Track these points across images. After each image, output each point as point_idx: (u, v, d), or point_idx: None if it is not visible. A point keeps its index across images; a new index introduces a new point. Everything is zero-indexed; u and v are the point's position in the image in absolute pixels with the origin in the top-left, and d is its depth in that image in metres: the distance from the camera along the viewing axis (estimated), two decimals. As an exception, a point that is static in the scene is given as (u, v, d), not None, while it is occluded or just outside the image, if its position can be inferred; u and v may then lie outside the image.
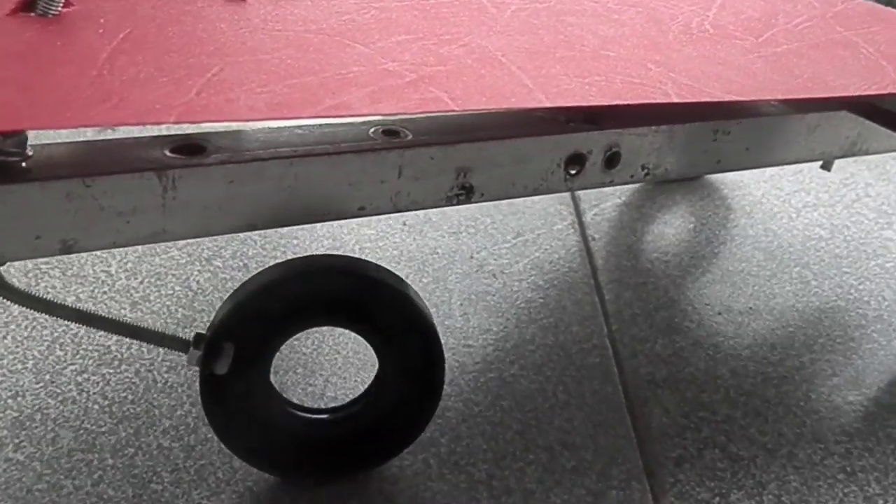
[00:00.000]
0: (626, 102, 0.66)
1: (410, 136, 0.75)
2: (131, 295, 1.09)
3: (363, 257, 1.15)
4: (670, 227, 1.27)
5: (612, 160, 0.84)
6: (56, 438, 0.87)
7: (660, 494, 0.82)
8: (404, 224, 1.26)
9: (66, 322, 1.02)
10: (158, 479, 0.83)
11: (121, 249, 1.17)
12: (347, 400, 0.86)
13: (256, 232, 1.22)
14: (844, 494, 0.83)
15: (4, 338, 1.00)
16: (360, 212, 0.74)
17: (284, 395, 0.83)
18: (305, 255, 0.80)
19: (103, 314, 0.72)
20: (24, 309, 1.04)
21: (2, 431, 0.88)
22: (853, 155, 0.99)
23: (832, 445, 0.88)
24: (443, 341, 0.98)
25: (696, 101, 0.67)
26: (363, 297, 0.75)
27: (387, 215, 1.25)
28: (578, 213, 1.31)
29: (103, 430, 0.88)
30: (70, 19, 0.66)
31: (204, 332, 0.74)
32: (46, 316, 1.02)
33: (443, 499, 0.81)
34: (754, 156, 0.93)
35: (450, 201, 0.78)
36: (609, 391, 0.96)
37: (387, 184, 0.73)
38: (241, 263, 1.16)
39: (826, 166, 1.11)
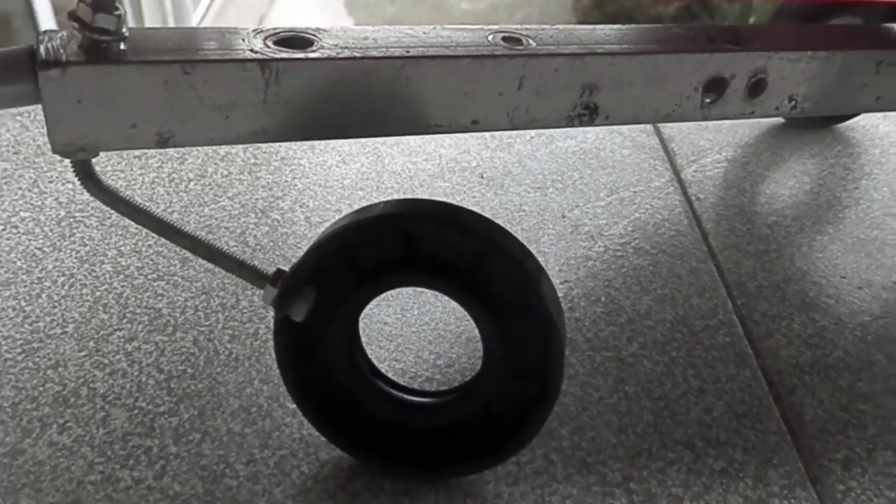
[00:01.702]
0: None
1: (534, 45, 0.66)
2: (179, 250, 0.94)
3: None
4: (783, 188, 1.13)
5: (756, 87, 0.74)
6: (107, 419, 0.73)
7: (831, 504, 0.69)
8: (482, 177, 1.11)
9: (108, 282, 0.88)
10: (232, 472, 0.69)
11: (163, 199, 1.02)
12: (442, 385, 0.72)
13: (317, 182, 1.07)
14: None
15: (39, 296, 0.86)
16: (474, 125, 0.67)
17: (372, 362, 0.69)
18: (414, 198, 0.67)
19: (185, 230, 0.63)
20: (58, 264, 0.90)
21: (43, 408, 0.74)
22: None
23: None
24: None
25: None
26: (482, 265, 0.60)
27: (463, 170, 1.11)
28: (676, 170, 1.16)
29: (161, 410, 0.74)
30: None
31: (285, 269, 0.63)
32: (85, 272, 0.88)
33: (574, 502, 0.68)
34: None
35: (571, 122, 0.69)
36: (748, 376, 0.82)
37: (505, 96, 0.66)
38: (301, 217, 1.01)
39: None
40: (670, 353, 0.84)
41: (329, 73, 0.60)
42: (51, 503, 0.66)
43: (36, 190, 1.02)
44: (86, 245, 0.94)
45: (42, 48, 0.55)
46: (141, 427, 0.73)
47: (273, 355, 0.66)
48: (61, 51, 0.55)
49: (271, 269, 0.63)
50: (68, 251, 0.93)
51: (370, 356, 0.69)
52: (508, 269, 0.61)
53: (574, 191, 1.10)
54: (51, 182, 1.04)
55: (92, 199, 0.64)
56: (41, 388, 0.76)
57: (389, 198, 1.05)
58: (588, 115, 0.69)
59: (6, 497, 0.66)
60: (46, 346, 0.80)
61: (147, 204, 0.67)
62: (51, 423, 0.72)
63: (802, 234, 1.03)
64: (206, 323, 0.85)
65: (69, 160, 0.59)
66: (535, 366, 0.63)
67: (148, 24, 3.57)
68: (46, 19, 2.83)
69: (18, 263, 0.90)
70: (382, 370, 0.70)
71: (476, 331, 0.63)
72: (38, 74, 0.54)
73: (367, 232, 0.61)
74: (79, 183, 0.60)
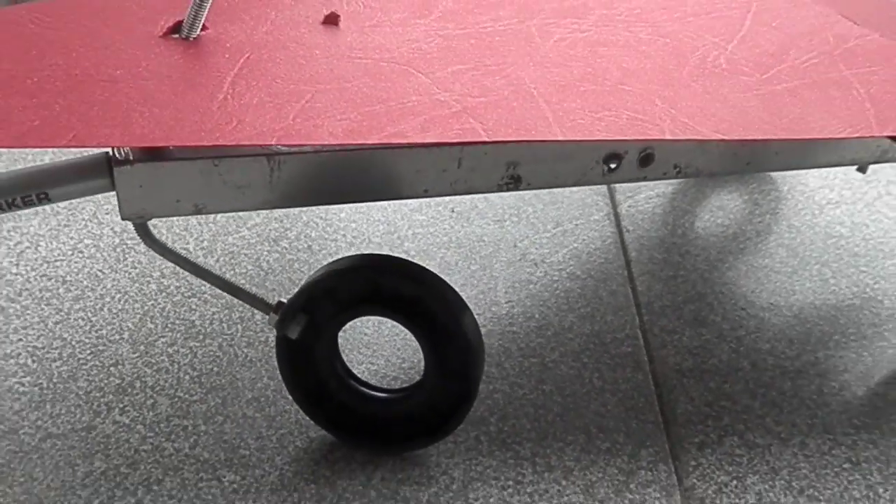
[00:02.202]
0: (625, 139, 0.78)
1: None
2: (208, 272, 1.20)
3: (416, 242, 1.26)
4: (700, 221, 1.37)
5: (646, 159, 0.93)
6: (155, 405, 1.00)
7: (683, 476, 0.94)
8: (452, 211, 1.36)
9: (153, 298, 1.14)
10: (245, 445, 0.95)
11: (197, 231, 1.28)
12: (403, 382, 0.98)
13: (319, 216, 1.33)
14: (849, 482, 0.94)
15: (101, 309, 1.13)
16: (425, 193, 0.89)
17: (348, 366, 0.94)
18: (380, 253, 0.92)
19: (213, 271, 0.91)
20: (115, 283, 1.16)
21: (108, 396, 1.00)
22: (885, 161, 1.05)
23: (840, 437, 0.99)
24: (489, 327, 1.09)
25: (686, 138, 0.79)
26: (422, 303, 0.86)
27: (437, 204, 1.36)
28: (614, 205, 1.40)
29: (195, 398, 1.01)
30: (204, 43, 0.83)
31: (284, 301, 0.89)
32: (136, 290, 1.15)
33: (492, 473, 0.93)
34: (783, 160, 1.01)
35: (500, 188, 0.91)
36: (640, 379, 1.07)
37: (448, 172, 0.88)
38: (305, 245, 1.27)
39: (861, 169, 1.17)
40: (582, 359, 1.09)
41: (317, 160, 0.84)
42: (116, 464, 0.92)
43: (95, 221, 1.29)
44: (136, 268, 1.20)
45: (116, 152, 0.80)
46: (180, 411, 0.99)
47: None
48: (129, 152, 0.80)
49: (276, 297, 0.89)
50: (122, 273, 1.19)
51: (351, 360, 0.94)
52: (439, 307, 0.86)
53: (527, 223, 1.35)
54: (107, 214, 1.30)
55: None
56: (106, 381, 1.02)
57: (376, 231, 1.30)
58: (513, 183, 0.91)
59: (84, 459, 0.93)
60: (108, 349, 1.07)
61: (186, 242, 0.92)
62: (114, 407, 0.99)
63: (707, 262, 1.28)
64: (229, 332, 1.11)
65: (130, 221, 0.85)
66: (460, 374, 0.88)
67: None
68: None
69: (85, 283, 1.17)
70: (359, 371, 0.96)
71: (420, 346, 0.89)
72: (113, 170, 0.79)
73: (345, 277, 0.87)
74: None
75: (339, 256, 0.90)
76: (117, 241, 1.25)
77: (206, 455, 0.94)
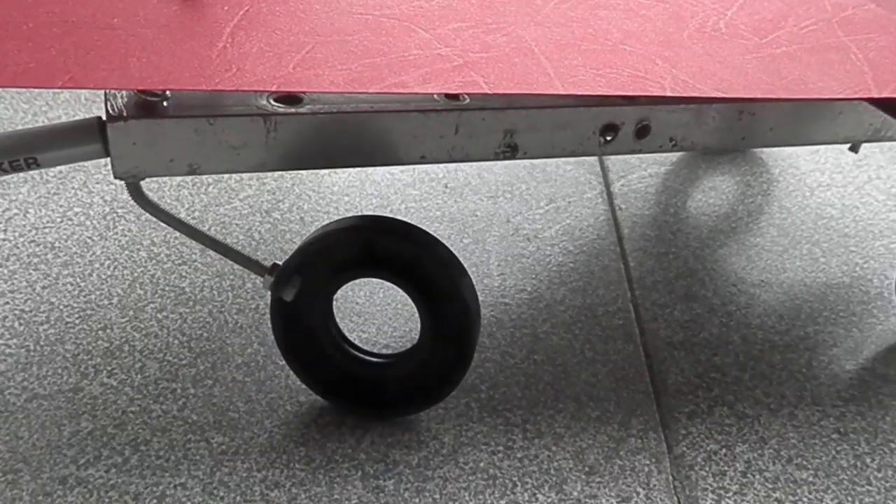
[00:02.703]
0: (626, 93, 0.78)
1: (468, 101, 0.88)
2: (198, 241, 1.20)
3: (409, 217, 1.25)
4: (692, 201, 1.37)
5: (642, 131, 0.94)
6: (143, 368, 0.99)
7: (673, 444, 0.94)
8: (446, 187, 1.36)
9: (143, 265, 1.14)
10: (235, 408, 0.95)
11: (188, 202, 1.28)
12: (395, 350, 0.98)
13: (312, 189, 1.32)
14: (836, 452, 0.94)
15: (90, 275, 1.12)
16: (422, 160, 0.88)
17: (342, 331, 0.94)
18: (378, 214, 0.91)
19: (206, 233, 0.90)
20: (105, 250, 1.16)
21: (96, 359, 0.99)
22: (878, 140, 1.06)
23: (829, 408, 1.00)
24: (481, 298, 1.09)
25: (687, 95, 0.79)
26: (421, 264, 0.86)
27: (431, 180, 1.35)
28: (607, 183, 1.40)
29: (184, 362, 1.00)
30: None
31: (279, 263, 0.88)
32: (125, 258, 1.14)
33: (483, 438, 0.93)
34: (778, 135, 1.02)
35: (497, 157, 0.90)
36: (631, 350, 1.07)
37: (445, 138, 0.87)
38: (297, 216, 1.27)
39: (854, 148, 1.18)
40: (574, 331, 1.09)
41: (314, 121, 0.83)
42: (103, 425, 0.92)
43: (86, 189, 1.28)
44: (126, 236, 1.19)
45: (108, 105, 0.80)
46: (168, 374, 0.98)
47: (269, 325, 0.92)
48: (122, 108, 0.80)
49: (270, 262, 0.88)
50: (112, 240, 1.18)
51: (342, 327, 0.94)
52: (437, 268, 0.86)
53: (520, 200, 1.35)
54: (97, 183, 1.29)
55: (129, 198, 0.88)
56: (94, 344, 1.02)
57: (369, 204, 1.30)
58: (510, 151, 0.91)
59: (71, 419, 0.92)
60: (97, 313, 1.06)
61: (177, 212, 0.92)
62: (102, 370, 0.98)
63: (698, 240, 1.28)
64: (219, 298, 1.10)
65: (123, 181, 0.84)
66: (457, 337, 0.88)
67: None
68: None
69: (74, 249, 1.16)
70: (350, 337, 0.95)
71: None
72: (106, 126, 0.78)
73: (339, 237, 0.87)
74: (129, 196, 0.86)
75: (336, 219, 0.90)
76: (107, 209, 1.24)
77: (195, 417, 0.94)
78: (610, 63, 0.81)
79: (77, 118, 0.81)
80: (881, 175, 1.47)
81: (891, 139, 1.07)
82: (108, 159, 0.80)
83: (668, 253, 1.25)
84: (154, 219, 1.20)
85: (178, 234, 1.20)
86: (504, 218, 1.30)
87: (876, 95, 0.81)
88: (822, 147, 1.55)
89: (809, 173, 1.46)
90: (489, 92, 0.74)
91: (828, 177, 1.45)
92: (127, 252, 1.16)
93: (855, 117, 1.03)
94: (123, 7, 0.77)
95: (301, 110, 0.83)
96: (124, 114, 0.78)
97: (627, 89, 0.78)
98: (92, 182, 1.30)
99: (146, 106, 0.80)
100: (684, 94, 0.79)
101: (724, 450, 0.93)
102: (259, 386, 0.98)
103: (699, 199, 1.38)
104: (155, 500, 0.84)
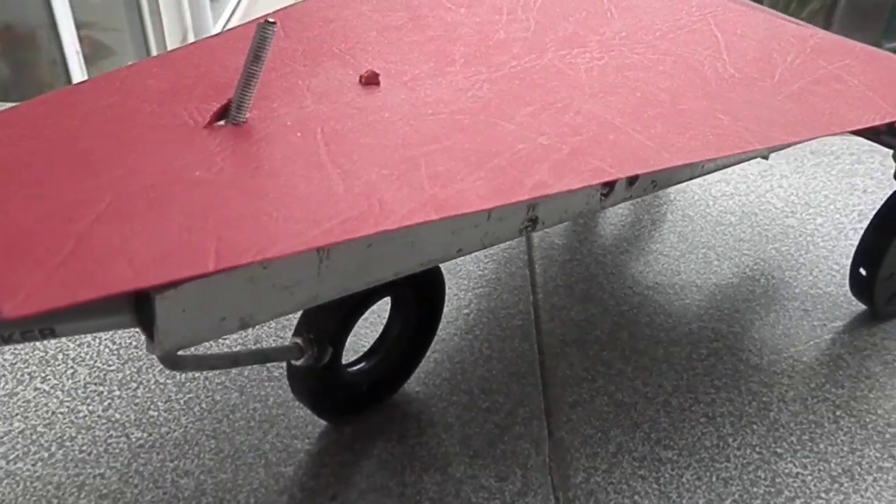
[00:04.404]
0: (726, 154, 0.75)
1: None
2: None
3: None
4: (604, 212, 1.47)
5: (632, 180, 0.97)
6: (74, 373, 1.09)
7: (554, 430, 1.03)
8: (372, 203, 1.46)
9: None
10: (155, 407, 1.04)
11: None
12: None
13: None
14: (702, 434, 1.03)
15: (31, 292, 1.21)
16: (459, 253, 0.83)
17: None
18: None
19: (240, 352, 0.82)
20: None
21: (31, 367, 1.09)
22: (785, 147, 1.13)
23: (701, 395, 1.09)
24: (389, 304, 1.18)
25: (768, 146, 0.78)
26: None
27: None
28: (525, 197, 1.50)
29: (112, 368, 1.10)
30: (260, 125, 0.72)
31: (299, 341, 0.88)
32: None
33: (379, 428, 1.02)
34: (725, 160, 1.10)
35: (521, 233, 0.89)
36: (526, 348, 1.16)
37: (478, 227, 0.83)
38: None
39: (765, 156, 1.28)
40: (475, 332, 1.19)
41: (364, 244, 0.74)
42: (33, 425, 1.01)
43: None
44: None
45: None
46: (97, 379, 1.08)
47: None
48: None
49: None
50: (54, 260, 1.28)
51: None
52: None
53: (440, 214, 1.45)
54: (44, 209, 1.39)
55: None
56: (30, 354, 1.11)
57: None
58: (532, 225, 0.89)
59: (4, 420, 1.01)
60: (35, 326, 1.16)
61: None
62: (36, 376, 1.08)
63: (602, 247, 1.38)
64: (149, 311, 1.20)
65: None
66: (428, 326, 1.03)
67: (168, 38, 3.85)
68: (68, 33, 3.12)
69: (18, 269, 1.26)
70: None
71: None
72: (152, 300, 0.60)
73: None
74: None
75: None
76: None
77: (118, 416, 1.03)
78: (685, 125, 0.79)
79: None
80: (783, 184, 1.57)
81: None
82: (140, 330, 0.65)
83: (573, 259, 1.35)
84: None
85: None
86: (423, 231, 1.40)
87: (893, 118, 0.85)
88: (732, 159, 1.66)
89: (715, 183, 1.56)
90: (620, 176, 0.72)
91: (732, 186, 1.55)
92: (67, 270, 1.26)
93: None
94: (186, 157, 0.66)
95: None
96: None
97: (724, 150, 0.76)
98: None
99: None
100: (765, 146, 0.78)
101: (599, 434, 1.03)
102: (179, 387, 1.07)
103: (609, 210, 1.48)
104: (75, 489, 0.93)
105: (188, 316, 0.64)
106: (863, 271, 1.19)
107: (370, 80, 0.82)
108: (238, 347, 1.14)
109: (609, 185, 0.93)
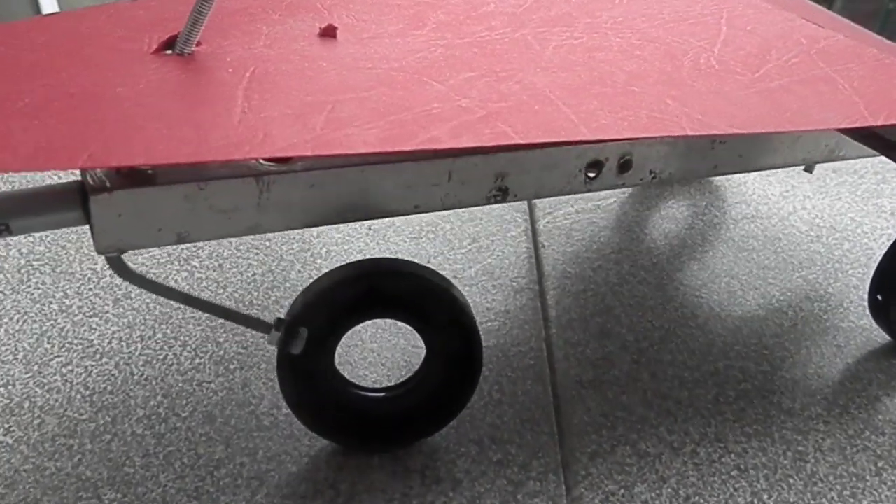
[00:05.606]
0: (651, 135, 0.77)
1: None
2: (115, 291, 1.20)
3: (329, 261, 1.25)
4: (616, 237, 1.37)
5: (625, 166, 0.95)
6: (42, 424, 0.98)
7: (572, 485, 0.93)
8: (370, 229, 1.36)
9: (53, 318, 1.13)
10: (131, 463, 0.94)
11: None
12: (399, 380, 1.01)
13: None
14: (735, 489, 0.93)
15: (-2, 331, 1.11)
16: (416, 209, 0.86)
17: (346, 377, 0.96)
18: (371, 258, 0.94)
19: (203, 298, 0.87)
20: (15, 304, 1.15)
21: (-6, 417, 0.99)
22: (832, 160, 1.10)
23: (731, 444, 0.99)
24: (392, 341, 1.08)
25: (706, 133, 0.79)
26: (418, 295, 0.90)
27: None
28: (532, 221, 1.41)
29: (84, 417, 1.00)
30: (201, 58, 0.77)
31: (283, 317, 0.87)
32: (36, 311, 1.14)
33: (380, 485, 0.92)
34: (746, 161, 1.05)
35: (488, 201, 0.89)
36: (539, 391, 1.06)
37: (438, 186, 0.86)
38: (216, 264, 1.27)
39: (809, 169, 1.22)
40: (484, 373, 1.09)
41: (308, 179, 0.79)
42: (-4, 484, 0.91)
43: (2, 243, 1.28)
44: (39, 289, 1.19)
45: (89, 177, 0.72)
46: (67, 430, 0.98)
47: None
48: (105, 179, 0.72)
49: (269, 317, 0.87)
50: (24, 293, 1.18)
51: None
52: (440, 298, 0.90)
53: (443, 240, 1.35)
54: (14, 237, 1.29)
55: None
56: (-5, 401, 1.01)
57: (290, 249, 1.30)
58: (500, 195, 0.90)
59: (-36, 480, 0.91)
60: (1, 370, 1.05)
61: (169, 283, 0.90)
62: None
63: (619, 276, 1.28)
64: (127, 350, 1.10)
65: (104, 255, 0.76)
66: (464, 359, 0.93)
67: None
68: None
69: (-15, 304, 1.16)
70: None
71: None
72: (89, 199, 0.70)
73: (343, 283, 0.87)
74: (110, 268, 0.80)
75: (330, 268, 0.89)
76: (23, 262, 1.24)
77: (89, 474, 0.93)
78: (625, 105, 0.80)
79: (54, 181, 0.78)
80: (806, 206, 1.48)
81: (843, 158, 1.10)
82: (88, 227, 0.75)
83: (587, 290, 1.25)
84: (71, 270, 1.20)
85: (92, 283, 1.20)
86: (425, 258, 1.30)
87: (871, 123, 0.82)
88: (750, 177, 1.57)
89: (735, 205, 1.47)
90: (522, 142, 0.72)
91: (753, 208, 1.46)
92: (38, 305, 1.16)
93: (812, 139, 1.05)
94: (124, 75, 0.72)
95: (294, 168, 0.79)
96: (107, 184, 0.73)
97: (651, 131, 0.77)
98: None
99: (131, 174, 0.74)
100: (703, 133, 0.78)
101: (622, 490, 0.93)
102: (158, 439, 0.97)
103: (623, 235, 1.38)
104: (39, 561, 0.83)
105: (124, 221, 0.73)
106: (880, 297, 1.12)
107: (326, 33, 0.84)
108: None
109: (595, 168, 0.93)
